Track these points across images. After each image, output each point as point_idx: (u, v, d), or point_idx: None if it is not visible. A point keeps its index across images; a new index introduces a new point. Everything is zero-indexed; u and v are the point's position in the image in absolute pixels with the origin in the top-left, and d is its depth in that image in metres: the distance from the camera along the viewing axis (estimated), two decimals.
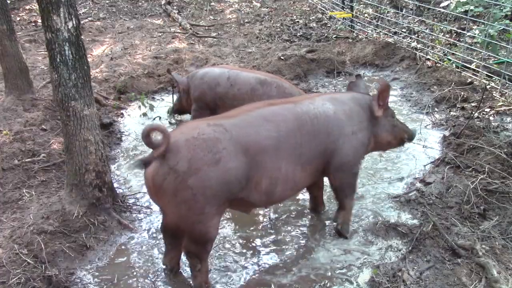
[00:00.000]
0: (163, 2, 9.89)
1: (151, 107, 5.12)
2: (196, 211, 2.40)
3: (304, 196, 3.60)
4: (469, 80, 5.20)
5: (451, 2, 6.32)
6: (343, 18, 7.93)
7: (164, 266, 2.90)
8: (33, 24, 8.58)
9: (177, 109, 4.82)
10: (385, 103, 3.07)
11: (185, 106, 4.65)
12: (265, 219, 3.39)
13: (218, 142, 2.41)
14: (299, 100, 2.91)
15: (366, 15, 8.22)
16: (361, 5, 8.61)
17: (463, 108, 4.73)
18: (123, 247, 3.15)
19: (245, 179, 2.49)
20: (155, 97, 5.75)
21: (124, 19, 9.17)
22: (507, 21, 5.81)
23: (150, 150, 2.41)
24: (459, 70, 5.51)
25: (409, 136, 3.30)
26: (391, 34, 7.06)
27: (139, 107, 5.21)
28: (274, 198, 2.73)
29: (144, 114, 5.07)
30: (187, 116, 4.88)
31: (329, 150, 2.85)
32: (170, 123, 4.97)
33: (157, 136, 2.37)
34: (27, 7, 9.47)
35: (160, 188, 2.38)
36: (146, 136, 2.33)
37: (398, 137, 3.24)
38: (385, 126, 3.15)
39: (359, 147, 2.98)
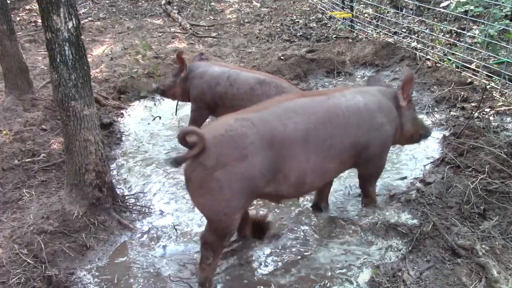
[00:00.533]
0: (163, 2, 9.88)
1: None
2: (223, 204, 2.45)
3: (303, 196, 3.59)
4: (469, 80, 5.19)
5: (451, 2, 6.31)
6: (343, 18, 7.93)
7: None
8: (33, 24, 8.57)
9: (166, 88, 4.51)
10: (409, 95, 3.14)
11: (174, 89, 4.45)
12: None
13: (245, 137, 2.44)
14: (330, 92, 2.97)
15: (366, 15, 8.21)
16: (361, 5, 8.60)
17: (463, 108, 4.72)
18: (123, 247, 3.15)
19: (270, 172, 2.52)
20: (155, 97, 5.74)
21: (124, 19, 9.16)
22: (507, 21, 5.81)
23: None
24: (459, 70, 5.50)
25: (426, 132, 3.39)
26: (391, 34, 7.06)
27: (143, 97, 4.96)
28: (303, 189, 2.78)
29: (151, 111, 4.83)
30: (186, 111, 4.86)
31: (359, 142, 2.89)
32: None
33: (191, 138, 2.41)
34: (27, 7, 9.46)
35: (189, 180, 2.48)
36: (182, 139, 2.38)
37: (418, 131, 3.32)
38: (409, 117, 3.21)
39: (387, 138, 3.05)
